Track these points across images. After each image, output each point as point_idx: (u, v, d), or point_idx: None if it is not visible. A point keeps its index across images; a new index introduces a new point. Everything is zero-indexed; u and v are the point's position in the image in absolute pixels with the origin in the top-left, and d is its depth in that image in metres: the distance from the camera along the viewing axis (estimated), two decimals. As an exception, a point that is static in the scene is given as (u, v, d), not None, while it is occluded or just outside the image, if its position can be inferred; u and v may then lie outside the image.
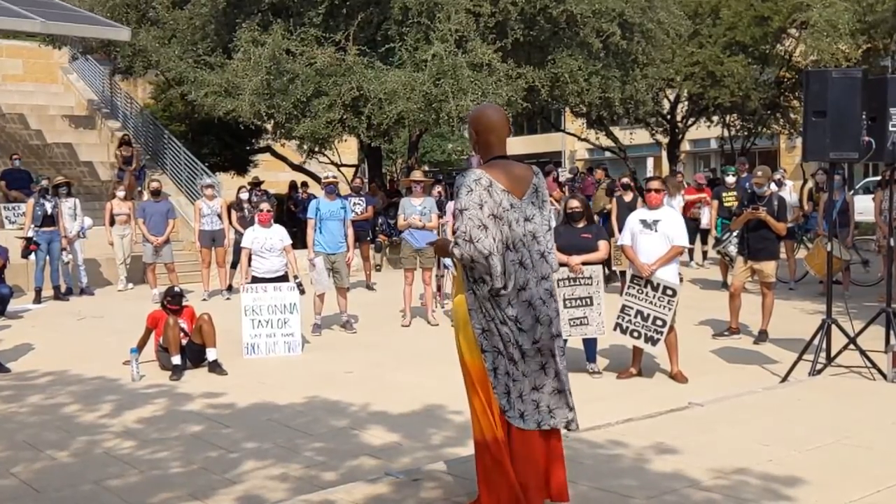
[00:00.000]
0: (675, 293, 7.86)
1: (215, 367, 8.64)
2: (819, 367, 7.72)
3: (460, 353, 4.13)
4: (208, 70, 17.48)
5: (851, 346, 7.70)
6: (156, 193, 14.54)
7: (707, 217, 15.34)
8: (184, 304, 9.13)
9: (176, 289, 9.25)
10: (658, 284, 7.89)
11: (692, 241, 15.21)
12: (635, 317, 7.99)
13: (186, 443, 6.22)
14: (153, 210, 14.05)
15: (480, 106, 4.51)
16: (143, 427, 6.70)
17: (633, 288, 8.05)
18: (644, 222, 8.14)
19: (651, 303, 7.92)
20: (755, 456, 5.22)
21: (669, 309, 7.85)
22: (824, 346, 7.81)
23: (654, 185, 8.35)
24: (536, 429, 4.00)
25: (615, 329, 8.12)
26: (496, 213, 3.91)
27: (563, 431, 4.18)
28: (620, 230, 13.10)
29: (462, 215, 3.89)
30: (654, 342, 7.91)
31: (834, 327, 7.82)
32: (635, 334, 8.00)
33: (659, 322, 7.86)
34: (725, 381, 7.87)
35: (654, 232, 8.03)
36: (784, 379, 7.71)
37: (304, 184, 21.56)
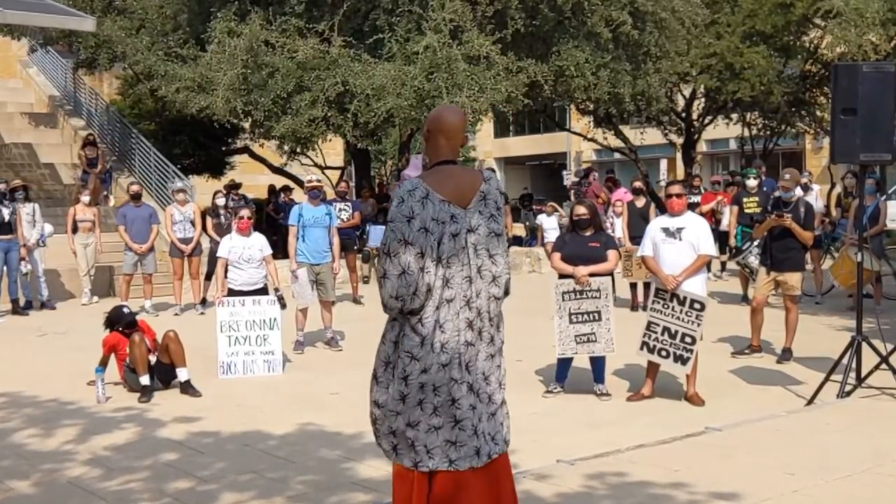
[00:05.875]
0: (703, 307, 7.81)
1: (188, 388, 8.63)
2: (848, 388, 7.72)
3: None
4: (180, 63, 17.52)
5: (884, 366, 7.72)
6: (136, 197, 14.58)
7: (727, 216, 15.11)
8: (135, 317, 9.09)
9: (124, 310, 9.14)
10: (684, 298, 7.85)
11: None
12: (662, 334, 7.93)
13: (158, 472, 6.22)
14: (135, 215, 14.06)
15: (440, 106, 4.57)
16: (110, 454, 6.69)
17: (658, 303, 8.00)
18: (666, 230, 8.11)
19: (678, 318, 7.86)
20: (779, 486, 5.24)
21: (698, 324, 7.80)
22: (854, 365, 7.82)
23: (675, 189, 8.32)
24: (412, 468, 3.96)
25: (641, 348, 8.08)
26: (428, 226, 3.81)
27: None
28: (631, 238, 13.27)
29: (386, 227, 3.87)
30: (685, 361, 7.86)
31: (864, 345, 7.83)
32: (663, 353, 7.95)
33: (688, 339, 7.81)
34: (746, 404, 7.89)
35: (679, 240, 7.99)
36: (810, 401, 7.72)
37: (286, 188, 21.55)
